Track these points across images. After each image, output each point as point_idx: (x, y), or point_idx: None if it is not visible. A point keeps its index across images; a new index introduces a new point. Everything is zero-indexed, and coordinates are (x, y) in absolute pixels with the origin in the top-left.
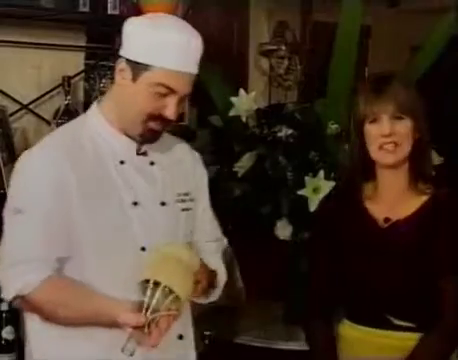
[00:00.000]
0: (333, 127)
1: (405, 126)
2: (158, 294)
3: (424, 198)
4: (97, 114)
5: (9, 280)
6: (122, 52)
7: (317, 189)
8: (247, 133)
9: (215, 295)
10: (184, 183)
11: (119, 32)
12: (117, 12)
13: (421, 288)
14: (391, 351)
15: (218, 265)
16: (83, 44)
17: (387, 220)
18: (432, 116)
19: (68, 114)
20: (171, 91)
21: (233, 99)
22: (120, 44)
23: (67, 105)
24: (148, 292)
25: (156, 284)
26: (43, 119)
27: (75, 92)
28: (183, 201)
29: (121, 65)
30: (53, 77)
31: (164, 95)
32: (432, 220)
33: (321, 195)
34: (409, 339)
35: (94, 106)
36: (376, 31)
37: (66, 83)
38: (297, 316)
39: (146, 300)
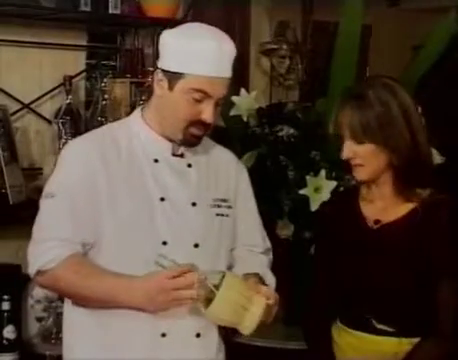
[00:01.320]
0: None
1: (365, 149)
2: (210, 283)
3: (416, 202)
4: (138, 117)
5: (35, 256)
6: (159, 64)
7: (318, 188)
8: (248, 132)
9: None
10: (223, 190)
11: (120, 31)
12: (118, 11)
13: (406, 292)
14: (375, 355)
15: (271, 282)
16: (84, 43)
17: (377, 222)
18: (433, 115)
19: (69, 113)
20: (206, 96)
21: (234, 98)
22: (121, 43)
23: (68, 104)
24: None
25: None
26: (44, 118)
27: (76, 91)
28: (219, 207)
29: (158, 76)
30: (54, 76)
31: (200, 100)
32: (422, 225)
33: (322, 194)
34: (389, 344)
35: (137, 110)
36: (377, 30)
37: (67, 82)
38: (298, 316)
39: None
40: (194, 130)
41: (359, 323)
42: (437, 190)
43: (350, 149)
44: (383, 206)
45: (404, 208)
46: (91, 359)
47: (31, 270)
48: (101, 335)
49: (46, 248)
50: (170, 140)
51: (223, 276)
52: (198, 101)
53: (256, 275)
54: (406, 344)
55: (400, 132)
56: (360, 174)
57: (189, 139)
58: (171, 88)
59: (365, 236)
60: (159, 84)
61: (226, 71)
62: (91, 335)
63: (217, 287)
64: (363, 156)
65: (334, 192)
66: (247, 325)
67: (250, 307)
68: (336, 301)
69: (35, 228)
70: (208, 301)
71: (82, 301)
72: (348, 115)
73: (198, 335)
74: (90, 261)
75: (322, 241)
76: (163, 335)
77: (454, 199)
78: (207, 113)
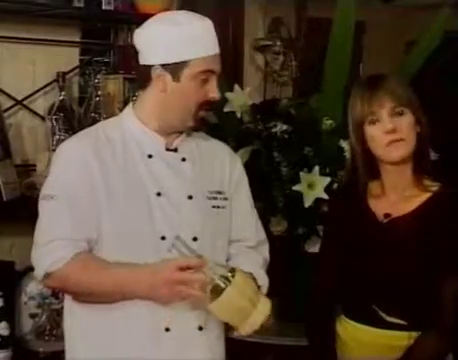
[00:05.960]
0: (328, 123)
1: (407, 120)
2: (221, 275)
3: (426, 196)
4: (130, 114)
5: (40, 258)
6: (151, 60)
7: (312, 185)
8: (242, 129)
9: None
10: (218, 182)
11: (113, 28)
12: (111, 8)
13: (415, 286)
14: (383, 350)
15: (264, 281)
16: (78, 40)
17: (387, 216)
18: (427, 112)
19: (63, 110)
20: (211, 73)
21: (228, 95)
22: (115, 39)
23: (62, 101)
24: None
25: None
26: (38, 115)
27: (70, 88)
28: (214, 199)
29: (157, 72)
30: (48, 73)
31: (206, 80)
32: (432, 219)
33: (316, 191)
34: (399, 338)
35: (128, 107)
36: (371, 27)
37: (61, 79)
38: (292, 312)
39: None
40: (202, 113)
41: (368, 317)
42: (446, 185)
43: (392, 121)
44: (394, 200)
45: (417, 200)
46: (94, 359)
47: (38, 274)
48: (103, 334)
49: (50, 249)
50: (168, 134)
51: (233, 273)
52: (205, 81)
53: (249, 274)
54: (415, 338)
55: (421, 109)
56: (402, 150)
57: (199, 124)
58: (177, 79)
59: (374, 230)
60: (159, 79)
61: (217, 46)
62: (93, 334)
63: (226, 284)
64: (405, 128)
65: (337, 189)
66: (246, 329)
67: (253, 312)
68: (342, 296)
69: (36, 232)
70: (214, 295)
71: (90, 297)
72: (389, 85)
73: (200, 328)
74: (97, 257)
75: (328, 240)
76: (167, 330)
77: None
78: (213, 90)
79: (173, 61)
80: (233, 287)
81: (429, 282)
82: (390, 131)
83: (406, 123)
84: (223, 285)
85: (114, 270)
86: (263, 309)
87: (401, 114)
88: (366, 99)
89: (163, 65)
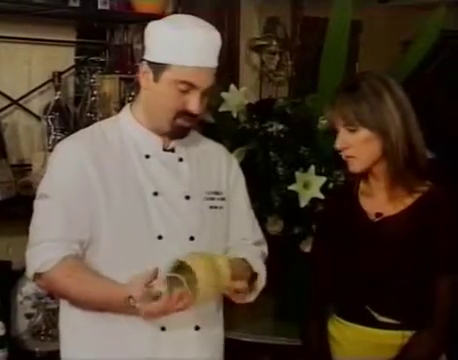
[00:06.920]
0: (324, 122)
1: (358, 138)
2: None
3: (417, 195)
4: (128, 114)
5: (31, 258)
6: (144, 55)
7: (308, 184)
8: (238, 128)
9: (251, 297)
10: (215, 182)
11: (109, 27)
12: (107, 7)
13: (408, 285)
14: (376, 350)
15: (261, 270)
16: (73, 39)
17: (378, 215)
18: (423, 111)
19: (58, 109)
20: (192, 86)
21: (224, 94)
22: (111, 39)
23: (57, 100)
24: (173, 273)
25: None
26: (33, 114)
27: (65, 87)
28: (212, 199)
29: (144, 68)
30: (43, 72)
31: (186, 91)
32: (424, 218)
33: (311, 190)
34: (392, 337)
35: (126, 107)
36: (367, 26)
37: (56, 78)
38: (288, 312)
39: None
40: (181, 121)
41: (360, 316)
42: (437, 183)
43: (343, 139)
44: (385, 199)
45: (408, 200)
46: (90, 359)
47: (29, 274)
48: (100, 334)
49: (40, 250)
50: (161, 134)
51: (192, 271)
52: (184, 92)
53: (243, 260)
54: (409, 337)
55: (392, 119)
56: (353, 166)
57: (177, 131)
58: (156, 79)
59: (365, 229)
60: (144, 76)
61: (212, 61)
62: (90, 334)
63: (195, 285)
64: (356, 145)
65: (332, 189)
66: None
67: (222, 277)
68: (335, 296)
69: (30, 231)
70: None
71: (79, 305)
72: (341, 105)
73: (197, 328)
74: (84, 265)
75: (322, 239)
76: (163, 329)
77: (454, 192)
78: (193, 104)
79: (156, 61)
80: (202, 286)
81: (421, 281)
82: (340, 150)
83: (356, 140)
84: (194, 288)
85: (99, 284)
86: (225, 270)
87: (353, 131)
88: (329, 116)
89: (149, 62)
